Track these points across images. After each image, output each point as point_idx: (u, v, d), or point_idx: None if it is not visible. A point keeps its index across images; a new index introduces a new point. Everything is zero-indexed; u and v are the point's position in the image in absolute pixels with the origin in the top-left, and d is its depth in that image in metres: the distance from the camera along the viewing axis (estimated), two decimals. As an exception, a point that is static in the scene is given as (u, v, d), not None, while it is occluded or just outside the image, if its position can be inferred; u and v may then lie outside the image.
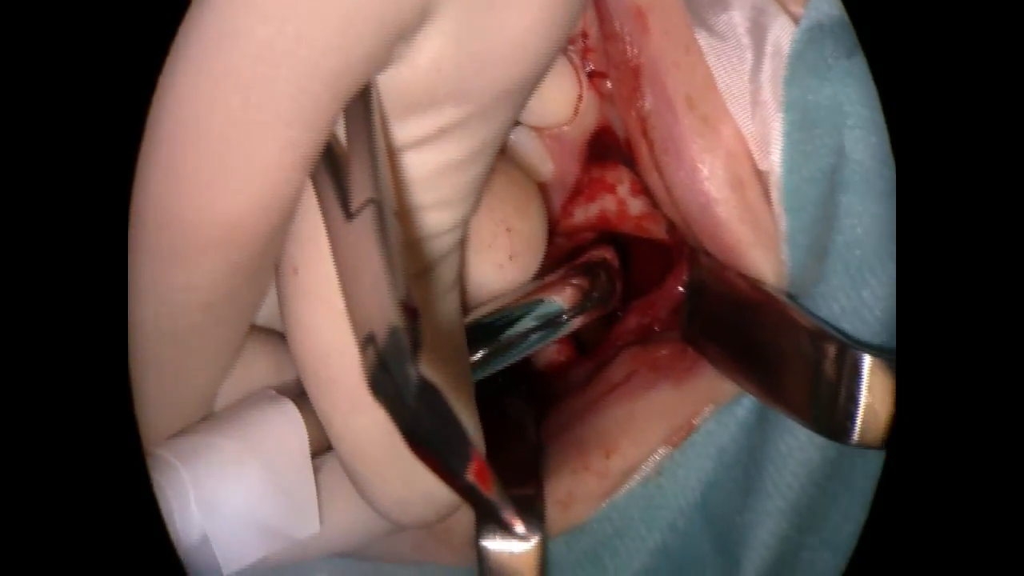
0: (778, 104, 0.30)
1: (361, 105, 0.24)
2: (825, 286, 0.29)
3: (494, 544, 0.32)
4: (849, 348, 0.27)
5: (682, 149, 0.31)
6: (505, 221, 0.32)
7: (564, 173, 0.37)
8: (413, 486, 0.27)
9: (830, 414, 0.27)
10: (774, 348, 0.30)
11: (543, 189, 0.37)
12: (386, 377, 0.20)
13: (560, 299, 0.33)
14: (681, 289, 0.37)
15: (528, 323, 0.32)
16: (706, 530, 0.34)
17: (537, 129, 0.36)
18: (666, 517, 0.34)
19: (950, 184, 0.24)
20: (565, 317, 0.33)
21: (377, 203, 0.22)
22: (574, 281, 0.33)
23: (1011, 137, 0.23)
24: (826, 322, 0.28)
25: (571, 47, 0.35)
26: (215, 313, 0.25)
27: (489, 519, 0.19)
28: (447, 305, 0.29)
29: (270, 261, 0.26)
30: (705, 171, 0.31)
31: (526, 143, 0.36)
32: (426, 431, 0.19)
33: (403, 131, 0.26)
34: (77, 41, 0.23)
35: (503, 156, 0.34)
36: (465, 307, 0.32)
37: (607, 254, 0.36)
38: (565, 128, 0.36)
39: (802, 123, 0.29)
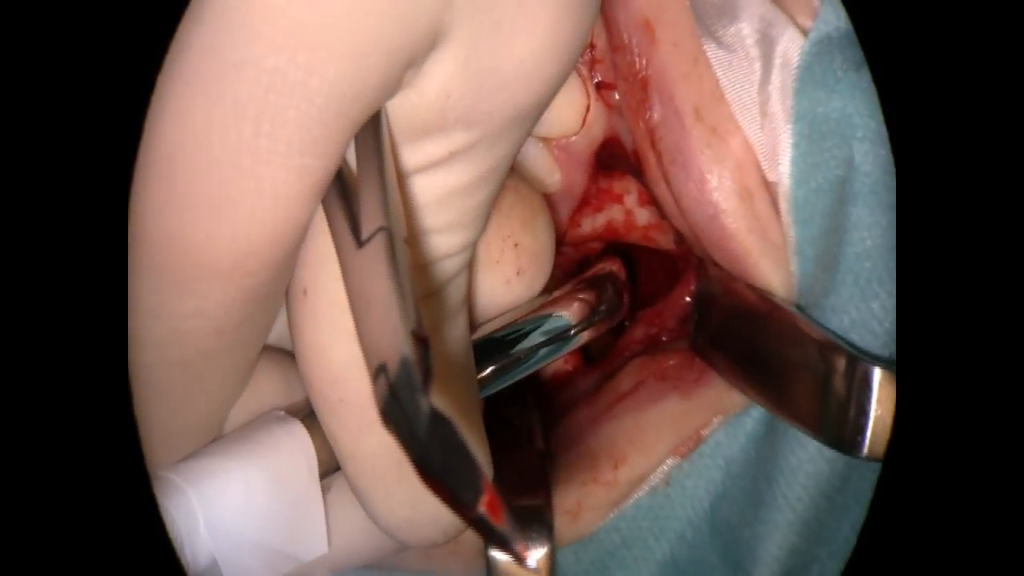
0: (787, 115, 0.29)
1: (371, 131, 0.24)
2: (835, 298, 0.29)
3: (503, 555, 0.32)
4: (859, 360, 0.27)
5: (690, 160, 0.31)
6: (512, 236, 0.32)
7: (571, 183, 0.37)
8: (420, 507, 0.27)
9: (840, 427, 0.27)
10: (782, 359, 0.30)
11: (550, 200, 0.37)
12: (398, 408, 0.20)
13: (568, 314, 0.33)
14: (688, 300, 0.37)
15: (537, 338, 0.32)
16: (714, 541, 0.34)
17: (545, 140, 0.36)
18: (674, 528, 0.34)
19: (953, 198, 0.24)
20: (573, 332, 0.33)
21: (387, 231, 0.22)
22: (581, 296, 0.33)
23: (1014, 149, 0.23)
24: (836, 334, 0.28)
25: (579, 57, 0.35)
26: (227, 339, 0.25)
27: (500, 550, 0.19)
28: (455, 326, 0.29)
29: (282, 285, 0.26)
30: (713, 182, 0.31)
31: (534, 153, 0.36)
32: (438, 463, 0.19)
33: (413, 155, 0.26)
34: (79, 62, 0.23)
35: (510, 171, 0.34)
36: (472, 324, 0.32)
37: (614, 267, 0.36)
38: (573, 138, 0.36)
39: (811, 135, 0.29)
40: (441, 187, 0.26)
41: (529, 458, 0.34)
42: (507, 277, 0.32)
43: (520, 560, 0.19)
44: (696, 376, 0.34)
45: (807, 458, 0.31)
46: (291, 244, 0.24)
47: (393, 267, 0.22)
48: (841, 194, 0.29)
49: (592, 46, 0.35)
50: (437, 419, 0.19)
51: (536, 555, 0.32)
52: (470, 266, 0.30)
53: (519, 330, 0.32)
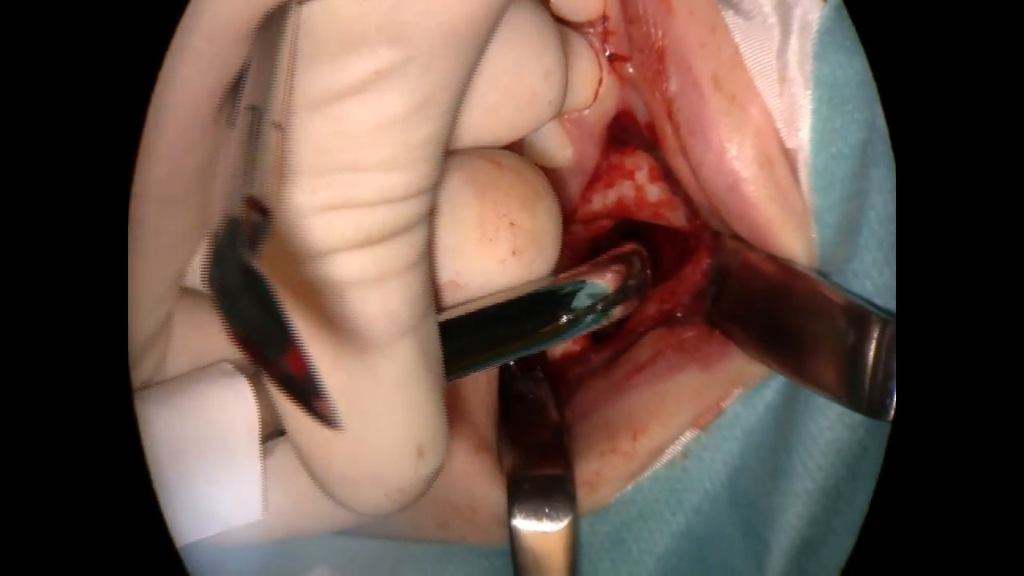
0: (806, 81, 0.29)
1: (273, 30, 0.24)
2: (858, 263, 0.29)
3: (526, 524, 0.31)
4: (887, 323, 0.27)
5: (709, 129, 0.31)
6: (508, 215, 0.31)
7: (583, 158, 0.37)
8: (360, 465, 0.27)
9: (869, 391, 0.27)
10: (804, 327, 0.30)
11: (562, 175, 0.37)
12: (217, 267, 0.19)
13: (604, 282, 0.32)
14: (701, 276, 0.37)
15: (584, 300, 0.31)
16: (731, 513, 0.34)
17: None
18: (691, 500, 0.34)
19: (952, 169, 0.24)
20: (605, 304, 0.32)
21: (256, 109, 0.22)
22: (614, 267, 0.33)
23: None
24: (862, 298, 0.28)
25: (591, 30, 0.35)
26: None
27: (305, 408, 0.19)
28: (409, 283, 0.28)
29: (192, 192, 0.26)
30: (733, 150, 0.30)
31: (546, 127, 0.36)
32: (246, 317, 0.19)
33: (340, 73, 0.25)
34: None
35: (513, 153, 0.34)
36: (442, 302, 0.31)
37: (635, 244, 0.36)
38: (585, 112, 0.36)
39: (831, 99, 0.29)
40: (375, 114, 0.25)
41: (545, 429, 0.34)
42: (501, 256, 0.31)
43: (327, 420, 0.19)
44: (716, 348, 0.33)
45: (827, 425, 0.31)
46: (187, 132, 0.24)
47: (250, 138, 0.22)
48: (863, 158, 0.29)
49: (605, 18, 0.35)
50: (250, 274, 0.19)
51: (558, 525, 0.32)
52: (431, 225, 0.29)
53: (561, 289, 0.31)
